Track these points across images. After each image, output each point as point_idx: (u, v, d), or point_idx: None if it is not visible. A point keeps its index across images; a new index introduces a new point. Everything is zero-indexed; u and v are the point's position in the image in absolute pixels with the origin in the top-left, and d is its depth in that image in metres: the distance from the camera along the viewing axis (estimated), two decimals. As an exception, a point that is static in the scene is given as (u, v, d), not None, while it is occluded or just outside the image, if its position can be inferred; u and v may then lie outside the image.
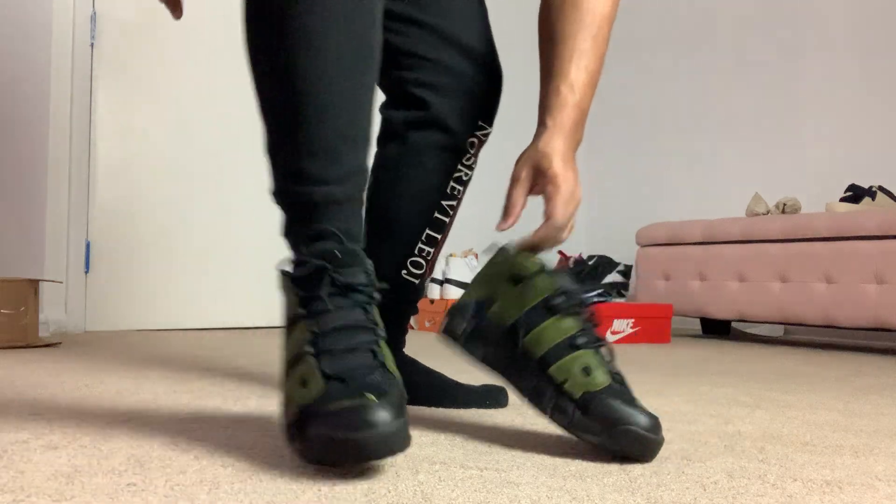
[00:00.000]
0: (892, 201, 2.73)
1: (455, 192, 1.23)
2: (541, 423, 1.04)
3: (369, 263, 0.83)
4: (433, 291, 3.21)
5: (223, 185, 3.07)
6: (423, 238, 1.20)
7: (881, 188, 2.76)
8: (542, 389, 0.87)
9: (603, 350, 0.89)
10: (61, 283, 2.55)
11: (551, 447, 0.88)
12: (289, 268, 0.83)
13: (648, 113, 4.00)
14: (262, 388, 1.33)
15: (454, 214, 1.24)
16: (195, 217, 3.01)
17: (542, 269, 0.92)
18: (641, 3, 3.99)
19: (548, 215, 0.98)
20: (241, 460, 0.78)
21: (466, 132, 1.21)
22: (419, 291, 1.23)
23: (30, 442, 0.85)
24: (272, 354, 1.99)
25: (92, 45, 2.79)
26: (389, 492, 0.67)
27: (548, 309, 0.89)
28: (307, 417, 0.72)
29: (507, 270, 0.94)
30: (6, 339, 2.02)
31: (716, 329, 3.27)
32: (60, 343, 2.18)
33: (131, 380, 1.42)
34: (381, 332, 0.81)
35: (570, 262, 3.53)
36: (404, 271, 1.20)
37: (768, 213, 2.96)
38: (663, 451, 0.88)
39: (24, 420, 0.99)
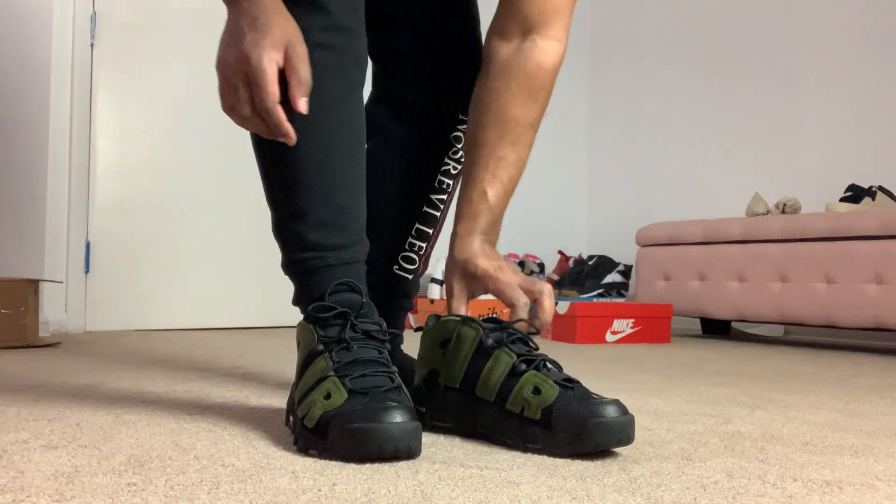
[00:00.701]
0: (892, 201, 2.73)
1: (444, 186, 1.23)
2: (541, 423, 1.04)
3: (380, 318, 0.94)
4: (433, 291, 3.21)
5: (223, 185, 3.07)
6: (413, 233, 1.21)
7: (881, 188, 2.76)
8: (509, 427, 0.86)
9: (548, 364, 0.90)
10: (61, 283, 2.55)
11: (551, 447, 0.88)
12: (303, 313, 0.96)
13: (648, 113, 4.00)
14: (263, 388, 1.33)
15: (446, 209, 1.24)
16: (195, 217, 3.01)
17: (461, 322, 0.94)
18: (641, 2, 3.99)
19: (511, 309, 1.01)
20: (241, 460, 0.78)
21: (450, 125, 1.22)
22: (413, 286, 1.23)
23: (30, 442, 0.85)
24: (272, 354, 2.00)
25: (92, 45, 2.79)
26: (389, 492, 0.67)
27: (483, 353, 0.91)
28: (330, 419, 0.79)
29: (435, 339, 0.96)
30: (6, 339, 2.02)
31: (716, 329, 3.27)
32: (60, 343, 2.18)
33: (131, 380, 1.42)
34: (395, 368, 0.89)
35: (570, 263, 3.53)
36: (396, 266, 1.21)
37: (768, 213, 2.96)
38: (663, 451, 0.88)
39: (24, 420, 0.99)
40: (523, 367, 0.89)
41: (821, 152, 3.33)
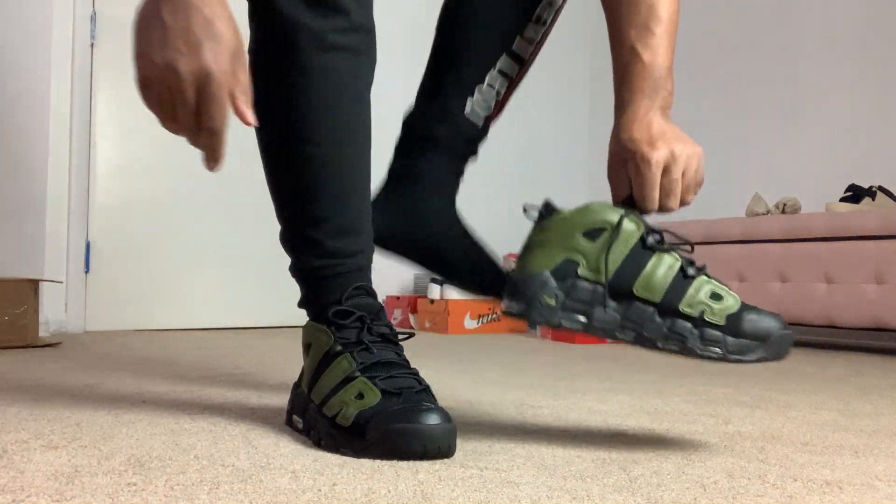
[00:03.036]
0: (892, 201, 2.73)
1: (544, 18, 1.05)
2: (541, 423, 1.04)
3: (390, 321, 0.95)
4: (433, 291, 3.21)
5: (223, 185, 3.07)
6: (497, 66, 1.04)
7: (881, 188, 2.76)
8: (680, 330, 0.84)
9: (704, 269, 0.89)
10: (61, 283, 2.55)
11: (551, 447, 0.88)
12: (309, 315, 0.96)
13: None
14: (263, 388, 1.33)
15: (536, 50, 1.07)
16: (195, 217, 3.01)
17: (625, 213, 0.88)
18: (641, 3, 3.98)
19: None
20: (241, 460, 0.78)
21: None
22: (482, 134, 1.08)
23: (30, 442, 0.85)
24: (272, 354, 1.99)
25: (92, 45, 2.79)
26: (389, 492, 0.67)
27: (644, 251, 0.87)
28: (368, 419, 0.80)
29: (578, 226, 0.88)
30: (6, 339, 2.02)
31: (716, 329, 3.26)
32: (60, 343, 2.18)
33: (131, 380, 1.42)
34: (416, 369, 0.90)
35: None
36: (470, 96, 1.04)
37: (768, 213, 2.96)
38: (663, 451, 0.88)
39: (24, 420, 0.99)
40: (692, 270, 0.87)
41: (821, 152, 3.33)
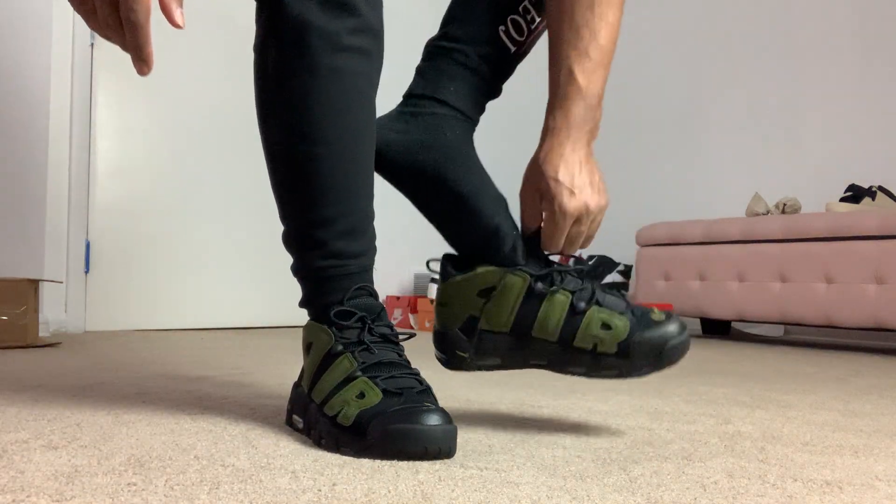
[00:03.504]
0: (892, 201, 2.73)
1: None
2: (541, 423, 1.04)
3: (391, 322, 0.96)
4: (432, 291, 3.21)
5: (223, 185, 3.07)
6: None
7: (881, 188, 2.76)
8: (579, 361, 0.91)
9: (604, 292, 0.93)
10: (61, 283, 2.55)
11: (551, 447, 0.88)
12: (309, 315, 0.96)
13: (648, 113, 4.00)
14: (263, 388, 1.33)
15: None
16: (195, 217, 3.01)
17: (506, 273, 0.94)
18: (642, 2, 3.99)
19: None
20: (241, 460, 0.78)
21: None
22: (513, 63, 1.03)
23: (30, 442, 0.85)
24: (272, 354, 1.99)
25: (92, 45, 2.79)
26: (389, 492, 0.67)
27: (535, 298, 0.93)
28: (369, 419, 0.81)
29: (472, 288, 0.95)
30: (6, 339, 2.02)
31: (716, 329, 3.27)
32: (60, 343, 2.18)
33: (131, 380, 1.42)
34: (417, 370, 0.90)
35: (570, 263, 3.53)
36: (502, 27, 0.99)
37: (768, 213, 2.96)
38: (663, 451, 0.88)
39: (24, 420, 0.99)
40: (582, 305, 0.91)
41: (821, 152, 3.33)
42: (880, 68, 3.15)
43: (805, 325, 2.74)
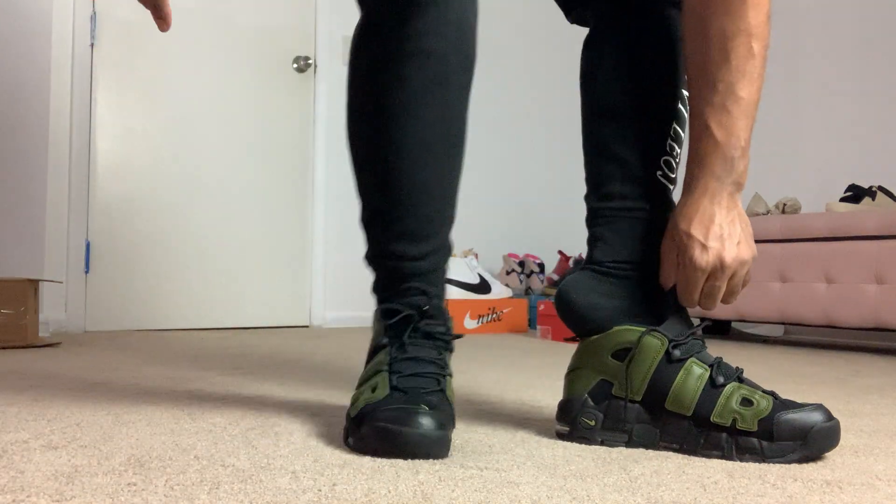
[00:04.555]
0: (892, 201, 2.73)
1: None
2: (540, 423, 1.04)
3: (450, 319, 0.96)
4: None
5: (223, 185, 3.07)
6: (671, 133, 1.00)
7: (881, 188, 2.76)
8: (716, 439, 0.85)
9: (741, 374, 0.89)
10: (61, 283, 2.55)
11: (551, 447, 0.88)
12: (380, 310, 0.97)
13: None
14: (262, 388, 1.33)
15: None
16: (195, 217, 3.01)
17: (645, 332, 0.90)
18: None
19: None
20: (241, 460, 0.78)
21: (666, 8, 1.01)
22: (672, 201, 1.01)
23: (30, 442, 0.85)
24: (272, 354, 1.99)
25: (92, 45, 2.79)
26: (389, 492, 0.67)
27: (670, 365, 0.88)
28: (366, 414, 0.82)
29: (606, 348, 0.91)
30: (6, 339, 2.02)
31: (716, 329, 3.27)
32: (60, 343, 2.18)
33: (131, 380, 1.42)
34: (449, 371, 0.92)
35: (570, 263, 3.53)
36: (659, 173, 0.99)
37: (768, 213, 2.96)
38: (663, 451, 0.88)
39: (24, 420, 0.99)
40: (721, 379, 0.87)
41: (821, 152, 3.33)
42: (880, 68, 3.15)
43: (805, 325, 2.74)
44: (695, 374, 0.87)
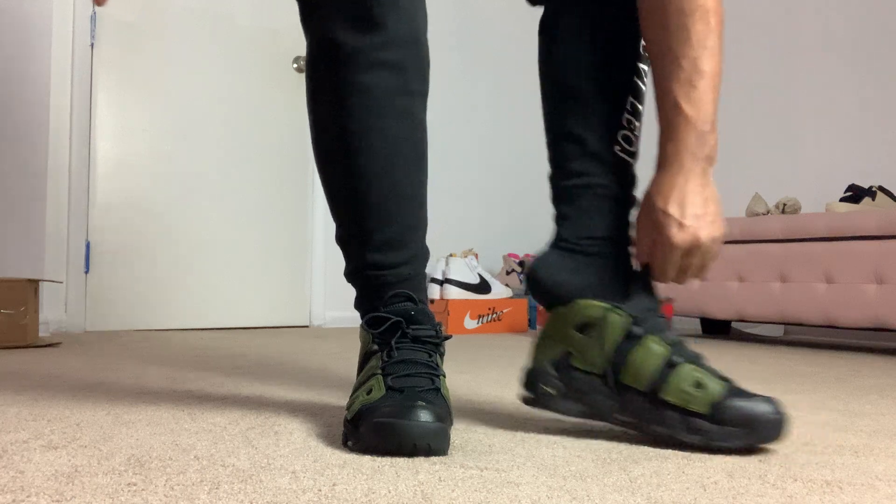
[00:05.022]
0: (892, 201, 2.73)
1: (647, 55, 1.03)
2: (541, 423, 1.04)
3: (437, 322, 0.97)
4: (433, 291, 3.21)
5: (223, 185, 3.07)
6: (628, 107, 1.02)
7: (881, 188, 2.76)
8: (669, 418, 0.88)
9: (701, 359, 0.91)
10: (61, 283, 2.55)
11: (551, 447, 0.88)
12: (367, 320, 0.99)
13: (647, 113, 3.99)
14: (262, 388, 1.33)
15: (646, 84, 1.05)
16: (195, 217, 3.01)
17: (608, 309, 0.92)
18: (641, 3, 3.99)
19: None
20: (241, 460, 0.78)
21: None
22: (634, 175, 1.04)
23: (30, 442, 0.85)
24: (272, 354, 1.99)
25: (92, 45, 2.79)
26: (389, 492, 0.67)
27: (632, 341, 0.90)
28: (364, 413, 0.83)
29: (570, 322, 0.94)
30: (6, 339, 2.02)
31: (716, 329, 3.27)
32: (60, 343, 2.18)
33: (131, 379, 1.42)
34: (441, 372, 0.92)
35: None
36: (617, 148, 1.00)
37: (768, 213, 2.96)
38: (663, 451, 0.88)
39: (24, 420, 0.99)
40: (678, 359, 0.89)
41: (821, 152, 3.33)
42: (880, 68, 3.15)
43: (805, 325, 2.74)
44: (653, 351, 0.90)
